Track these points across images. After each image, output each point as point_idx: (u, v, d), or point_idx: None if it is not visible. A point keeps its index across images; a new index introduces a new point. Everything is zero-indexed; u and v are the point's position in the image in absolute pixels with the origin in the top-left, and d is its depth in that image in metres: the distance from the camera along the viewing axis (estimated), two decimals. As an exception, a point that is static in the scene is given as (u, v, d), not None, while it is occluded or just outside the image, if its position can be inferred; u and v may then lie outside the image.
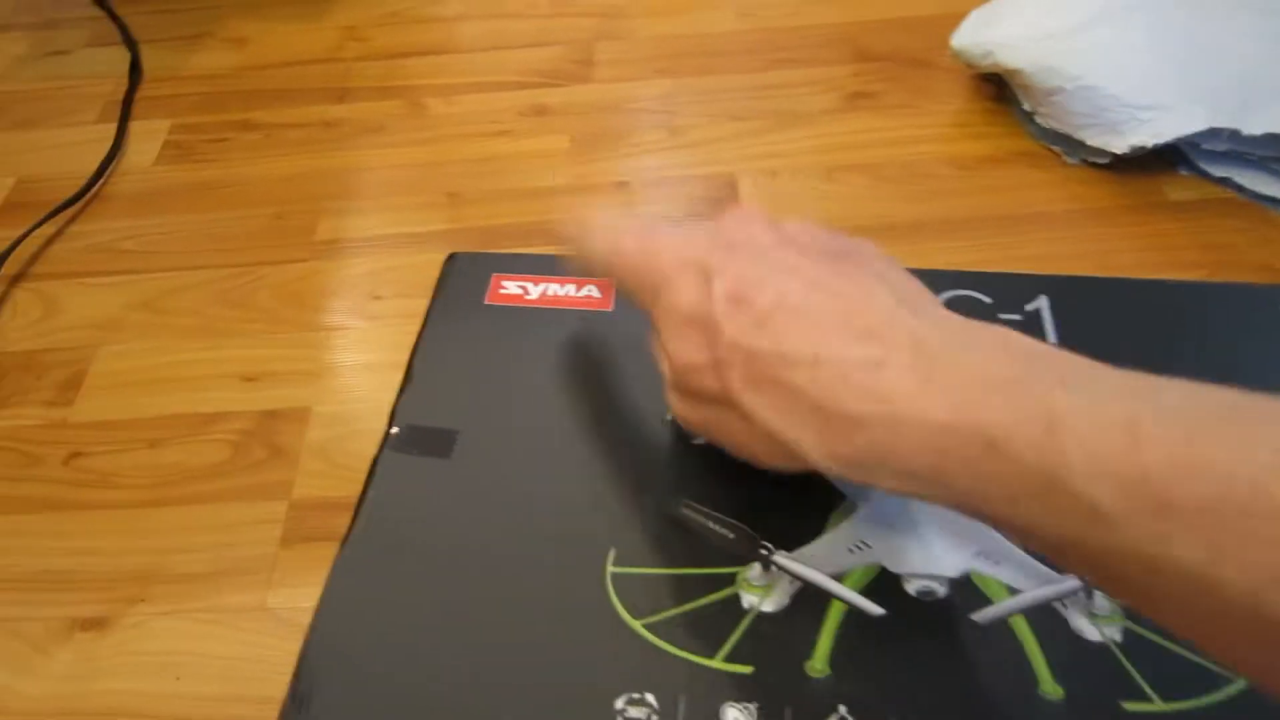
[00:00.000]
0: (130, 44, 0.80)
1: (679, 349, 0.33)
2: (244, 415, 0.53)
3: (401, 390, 0.39)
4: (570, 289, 0.43)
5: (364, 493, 0.36)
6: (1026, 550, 0.33)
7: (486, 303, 0.42)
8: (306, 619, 0.41)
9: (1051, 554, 0.27)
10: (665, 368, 0.34)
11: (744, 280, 0.32)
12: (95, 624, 0.46)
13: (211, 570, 0.47)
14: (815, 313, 0.30)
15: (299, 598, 0.44)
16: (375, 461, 0.37)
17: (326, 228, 0.64)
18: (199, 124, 0.73)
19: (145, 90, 0.77)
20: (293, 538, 0.48)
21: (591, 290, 0.42)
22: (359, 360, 0.56)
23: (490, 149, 0.69)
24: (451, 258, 0.44)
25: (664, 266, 0.34)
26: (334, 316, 0.58)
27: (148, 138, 0.72)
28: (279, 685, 0.39)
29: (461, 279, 0.43)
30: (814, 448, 0.30)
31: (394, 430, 0.38)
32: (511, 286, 0.43)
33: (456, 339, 0.41)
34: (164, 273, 0.62)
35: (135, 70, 0.78)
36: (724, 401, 0.32)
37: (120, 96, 0.75)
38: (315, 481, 0.50)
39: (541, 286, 0.43)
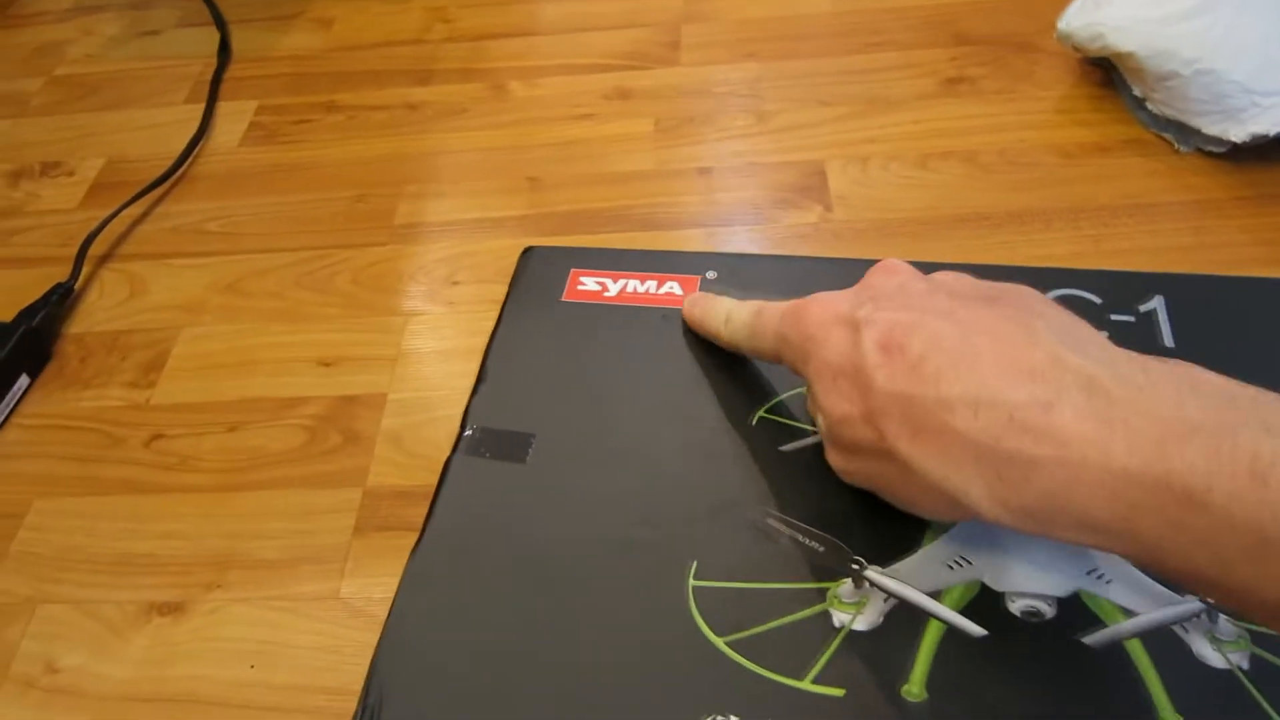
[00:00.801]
0: (220, 24, 0.81)
1: (831, 402, 0.32)
2: (321, 400, 0.53)
3: (475, 390, 0.38)
4: (651, 285, 0.41)
5: (436, 496, 0.35)
6: (1147, 572, 0.31)
7: (564, 299, 0.41)
8: (378, 610, 0.40)
9: (1274, 622, 0.25)
10: (820, 422, 0.33)
11: (894, 327, 0.31)
12: (172, 609, 0.46)
13: (286, 557, 0.47)
14: (972, 354, 0.29)
15: (372, 588, 0.44)
16: (448, 464, 0.36)
17: (406, 211, 0.64)
18: (284, 105, 0.73)
19: (233, 71, 0.78)
20: (366, 526, 0.47)
21: (673, 287, 0.41)
22: (435, 347, 0.55)
23: (572, 133, 0.68)
24: (528, 251, 0.43)
25: (811, 326, 0.34)
26: (411, 302, 0.58)
27: (234, 119, 0.73)
28: (350, 676, 0.39)
29: (538, 274, 0.42)
30: (982, 498, 0.28)
31: (468, 432, 0.37)
32: (589, 283, 0.42)
33: (532, 337, 0.40)
34: (247, 254, 0.62)
35: (224, 51, 0.78)
36: (881, 453, 0.30)
37: (209, 77, 0.76)
38: (389, 470, 0.49)
39: (621, 283, 0.41)
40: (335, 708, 0.41)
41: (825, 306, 0.34)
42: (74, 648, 0.45)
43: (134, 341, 0.58)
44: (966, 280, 0.34)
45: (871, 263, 0.42)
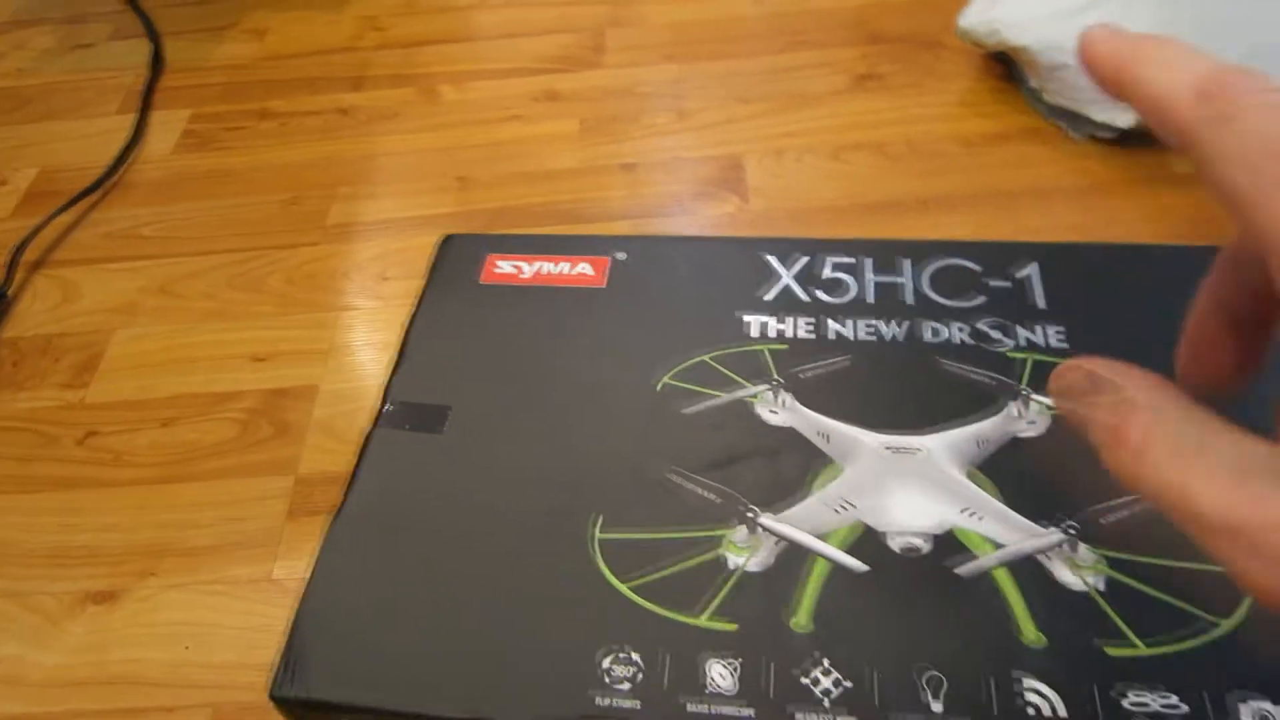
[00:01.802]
0: (153, 37, 0.82)
1: None
2: (253, 394, 0.54)
3: (395, 369, 0.40)
4: (564, 267, 0.43)
5: (356, 468, 0.37)
6: (1008, 504, 0.33)
7: (481, 282, 0.43)
8: (310, 590, 0.42)
9: None
10: None
11: None
12: (107, 597, 0.47)
13: (219, 544, 0.48)
14: None
15: (304, 569, 0.45)
16: (368, 437, 0.38)
17: (338, 212, 0.65)
18: (218, 113, 0.75)
19: (166, 81, 0.79)
20: (299, 511, 0.49)
21: (585, 268, 0.43)
22: (367, 339, 0.57)
23: (500, 134, 0.70)
24: (447, 239, 0.45)
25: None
26: (343, 298, 0.59)
27: (167, 127, 0.74)
28: (283, 653, 0.40)
29: (456, 260, 0.44)
30: None
31: (387, 407, 0.39)
32: (505, 266, 0.44)
33: (450, 318, 0.42)
34: (180, 258, 0.63)
35: (157, 62, 0.79)
36: None
37: (142, 88, 0.77)
38: (321, 457, 0.51)
39: (536, 265, 0.44)
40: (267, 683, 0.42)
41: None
42: (10, 638, 0.46)
43: (67, 344, 0.59)
44: None
45: (779, 241, 0.44)
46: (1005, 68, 0.68)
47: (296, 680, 0.32)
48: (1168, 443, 0.20)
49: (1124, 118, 0.58)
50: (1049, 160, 0.62)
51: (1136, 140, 0.61)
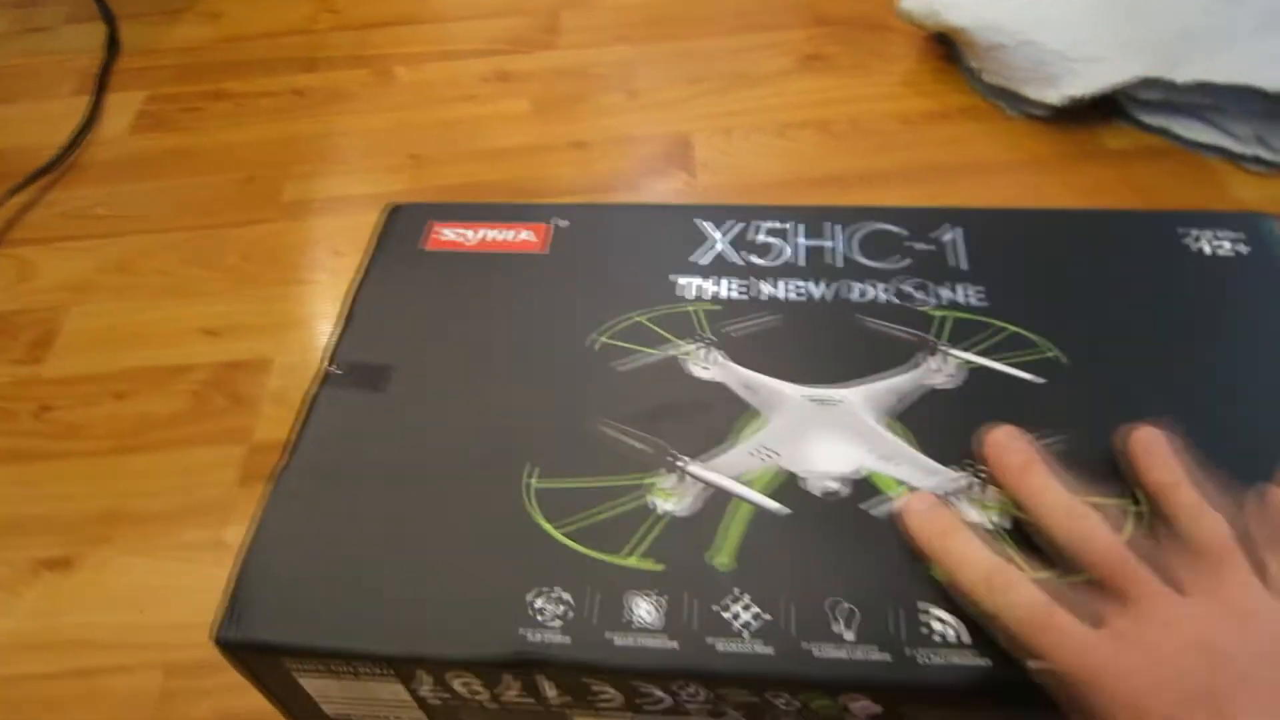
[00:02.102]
0: (108, 19, 0.82)
1: None
2: (207, 367, 0.55)
3: (340, 331, 0.41)
4: (507, 234, 0.44)
5: (301, 425, 0.38)
6: (922, 450, 0.35)
7: (425, 249, 0.44)
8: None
9: None
10: None
11: None
12: (61, 564, 0.48)
13: (172, 511, 0.49)
14: None
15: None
16: (313, 397, 0.39)
17: (293, 190, 0.66)
18: (173, 94, 0.75)
19: (122, 63, 0.79)
20: (251, 478, 0.50)
21: (528, 235, 0.44)
22: (319, 311, 0.58)
23: (454, 113, 0.71)
24: (394, 209, 0.46)
25: (1111, 702, 0.28)
26: (297, 272, 0.60)
27: (123, 108, 0.74)
28: (234, 613, 0.41)
29: (402, 228, 0.45)
30: None
31: (332, 368, 0.40)
32: (449, 233, 0.45)
33: (394, 283, 0.43)
34: (135, 235, 0.64)
35: (113, 44, 0.80)
36: None
37: (97, 70, 0.77)
38: (274, 426, 0.52)
39: (479, 233, 0.45)
40: (220, 640, 0.43)
41: (1133, 692, 0.28)
42: (-35, 605, 0.47)
43: (22, 321, 0.59)
44: None
45: (714, 208, 0.46)
46: (946, 49, 0.70)
47: (240, 624, 0.33)
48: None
49: (1055, 94, 0.60)
50: (986, 137, 0.64)
51: (1069, 117, 0.63)
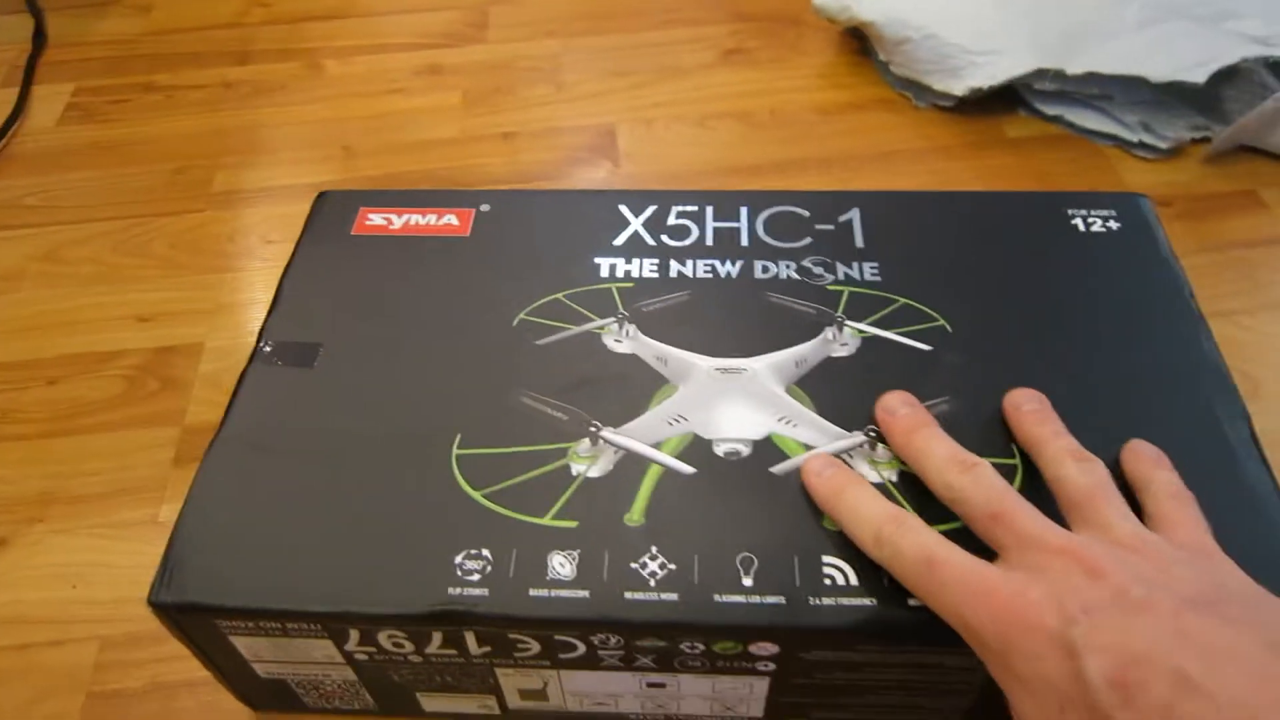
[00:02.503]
0: (34, 11, 0.82)
1: None
2: (140, 352, 0.56)
3: (270, 311, 0.43)
4: (431, 218, 0.46)
5: (232, 398, 0.40)
6: (821, 414, 0.37)
7: (353, 233, 0.46)
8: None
9: None
10: None
11: (1124, 659, 0.26)
12: (-5, 542, 0.48)
13: (106, 491, 0.50)
14: (1227, 699, 0.25)
15: (189, 511, 0.47)
16: (243, 373, 0.40)
17: (223, 180, 0.67)
18: (102, 86, 0.76)
19: (49, 56, 0.79)
20: (185, 458, 0.51)
21: (451, 219, 0.46)
22: (251, 298, 0.59)
23: (384, 106, 0.73)
24: (322, 195, 0.48)
25: (1011, 629, 0.28)
26: (228, 260, 0.61)
27: (51, 100, 0.75)
28: (168, 586, 0.43)
29: (330, 214, 0.47)
30: None
31: (262, 345, 0.41)
32: (376, 218, 0.47)
33: (323, 265, 0.45)
34: (64, 226, 0.64)
35: (39, 36, 0.80)
36: None
37: (23, 62, 0.77)
38: (207, 408, 0.53)
39: (405, 217, 0.47)
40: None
41: (1024, 607, 0.28)
42: (-102, 585, 0.47)
43: (-49, 310, 0.60)
44: (1179, 563, 0.29)
45: (631, 193, 0.48)
46: (860, 43, 0.73)
47: (173, 586, 0.34)
48: None
49: (958, 85, 0.63)
50: (896, 127, 0.67)
51: (973, 107, 0.66)
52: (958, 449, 0.35)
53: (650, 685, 0.38)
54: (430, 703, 0.40)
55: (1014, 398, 0.37)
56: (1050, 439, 0.35)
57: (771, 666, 0.36)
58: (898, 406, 0.37)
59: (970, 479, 0.33)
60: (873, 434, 0.37)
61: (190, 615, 0.35)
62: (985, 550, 0.32)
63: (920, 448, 0.35)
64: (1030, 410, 0.36)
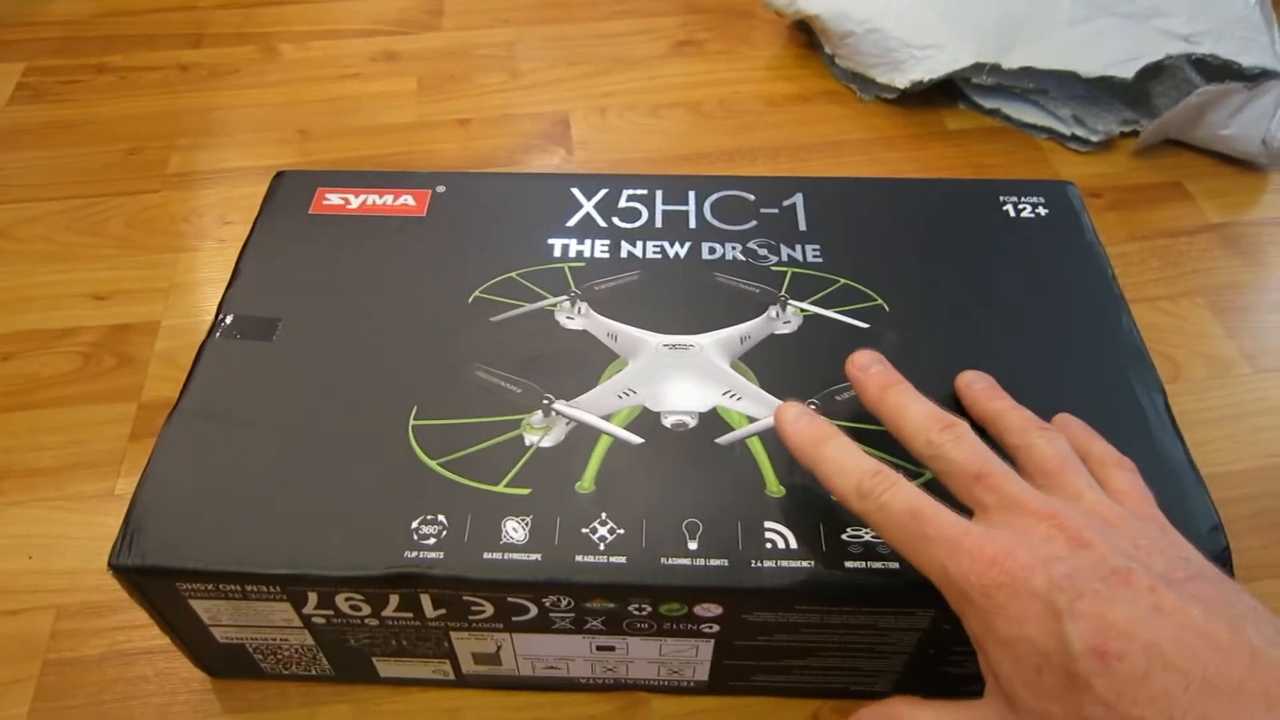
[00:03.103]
0: (-18, -9, 0.81)
1: (1030, 696, 0.28)
2: (95, 329, 0.57)
3: (229, 286, 0.44)
4: (388, 199, 0.47)
5: (191, 372, 0.41)
6: (764, 388, 0.39)
7: (310, 213, 0.47)
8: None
9: None
10: (994, 697, 0.29)
11: (1107, 630, 0.27)
12: (-51, 517, 0.49)
13: (62, 465, 0.51)
14: (1200, 673, 0.26)
15: (146, 485, 0.48)
16: (202, 346, 0.41)
17: (178, 161, 0.67)
18: (53, 67, 0.75)
19: (-2, 35, 0.79)
20: (142, 433, 0.52)
21: (407, 199, 0.47)
22: (208, 277, 0.59)
23: (340, 90, 0.73)
24: (279, 175, 0.49)
25: (996, 586, 0.28)
26: (184, 240, 0.62)
27: (0, 80, 0.74)
28: (125, 558, 0.43)
29: (288, 193, 0.48)
30: None
31: (221, 319, 0.42)
32: (334, 198, 0.48)
33: (281, 242, 0.45)
34: (16, 204, 0.64)
35: (-13, 16, 0.79)
36: None
37: (-28, 41, 0.77)
38: (164, 384, 0.54)
39: (362, 197, 0.48)
40: (112, 584, 0.45)
41: (1013, 568, 0.28)
42: None
43: (-98, 287, 0.60)
44: (1145, 536, 0.30)
45: (583, 176, 0.49)
46: (807, 36, 0.75)
47: (134, 550, 0.35)
48: None
49: (901, 78, 0.66)
50: (841, 118, 0.69)
51: (915, 100, 0.68)
52: (935, 407, 0.34)
53: (600, 649, 0.39)
54: (386, 668, 0.41)
55: (965, 377, 0.39)
56: (1008, 411, 0.36)
57: (716, 629, 0.37)
58: (870, 363, 0.37)
59: (951, 437, 0.33)
60: (813, 406, 0.39)
61: (150, 578, 0.36)
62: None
63: (896, 403, 0.35)
64: (982, 388, 0.38)
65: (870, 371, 0.37)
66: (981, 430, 0.36)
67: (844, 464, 0.33)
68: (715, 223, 0.47)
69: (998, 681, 0.29)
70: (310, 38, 0.78)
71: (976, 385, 0.38)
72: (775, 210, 0.47)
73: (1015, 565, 0.28)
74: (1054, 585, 0.28)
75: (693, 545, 0.36)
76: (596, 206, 0.48)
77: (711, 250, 0.45)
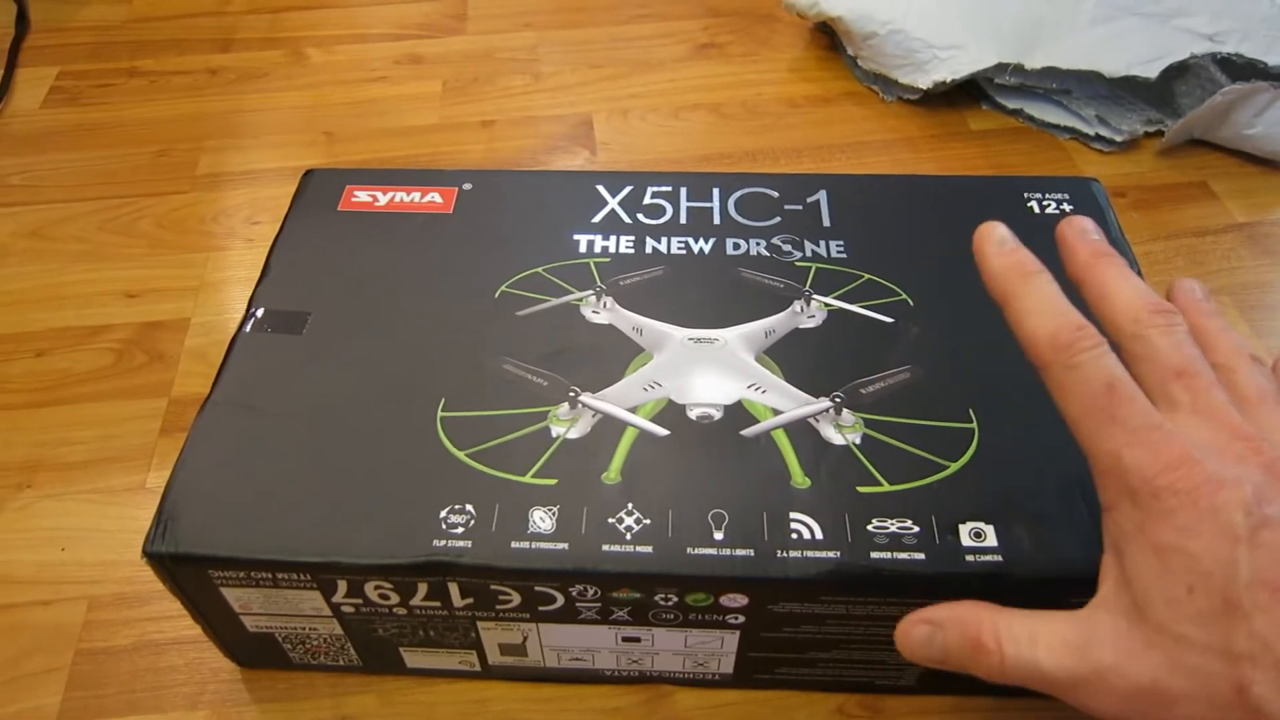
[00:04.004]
0: (16, -2, 0.83)
1: (1166, 614, 0.26)
2: (127, 326, 0.57)
3: (260, 281, 0.44)
4: (416, 196, 0.48)
5: (223, 363, 0.41)
6: (789, 381, 0.40)
7: (340, 209, 0.48)
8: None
9: None
10: (1112, 601, 0.28)
11: None
12: (-16, 508, 0.49)
13: (94, 459, 0.51)
14: None
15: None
16: (233, 339, 0.42)
17: (207, 163, 0.68)
18: (86, 71, 0.77)
19: (32, 40, 0.80)
20: (172, 428, 0.52)
21: (434, 196, 0.48)
22: (236, 276, 0.60)
23: (366, 93, 0.74)
24: (309, 173, 0.49)
25: (1170, 483, 0.26)
26: (213, 240, 0.63)
27: (35, 84, 0.75)
28: (156, 550, 0.44)
29: (317, 191, 0.48)
30: None
31: (252, 312, 0.43)
32: (362, 195, 0.48)
33: (311, 238, 0.46)
34: (50, 205, 0.65)
35: (22, 21, 0.81)
36: (1224, 700, 0.25)
37: (7, 46, 0.78)
38: (194, 380, 0.54)
39: (390, 195, 0.48)
40: (144, 576, 0.46)
41: (1197, 473, 0.26)
42: (-112, 549, 0.48)
43: (-62, 285, 0.61)
44: None
45: (608, 174, 0.50)
46: (829, 38, 0.76)
47: (167, 538, 0.36)
48: (1011, 641, 0.29)
49: (924, 79, 0.66)
50: (863, 119, 0.69)
51: (938, 100, 0.69)
52: (1152, 292, 0.30)
53: (625, 640, 0.40)
54: (413, 658, 0.42)
55: (1184, 283, 0.34)
56: (1220, 332, 0.32)
57: (741, 619, 0.38)
58: (1088, 228, 0.32)
59: (1165, 322, 0.29)
60: (838, 400, 0.39)
61: (184, 566, 0.36)
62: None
63: (1108, 274, 0.31)
64: (1199, 300, 0.34)
65: (1086, 236, 0.32)
66: None
67: (1047, 306, 0.30)
68: (739, 219, 0.47)
69: (1130, 590, 0.27)
70: (337, 42, 0.79)
71: (1195, 294, 0.34)
72: (799, 207, 0.47)
73: (1200, 475, 0.26)
74: (1239, 506, 0.25)
75: (718, 535, 0.36)
76: (621, 203, 0.48)
77: (736, 246, 0.46)
